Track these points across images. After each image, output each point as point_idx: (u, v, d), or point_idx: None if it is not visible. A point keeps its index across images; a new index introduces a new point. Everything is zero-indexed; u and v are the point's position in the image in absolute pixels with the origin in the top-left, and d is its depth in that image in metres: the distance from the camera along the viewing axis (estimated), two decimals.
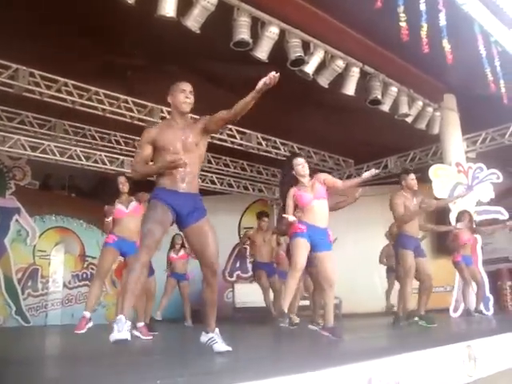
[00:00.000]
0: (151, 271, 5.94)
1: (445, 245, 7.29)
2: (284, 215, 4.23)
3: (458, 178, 7.83)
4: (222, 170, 10.56)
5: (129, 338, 2.71)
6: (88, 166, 8.97)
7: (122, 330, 2.71)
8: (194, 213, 3.11)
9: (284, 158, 9.73)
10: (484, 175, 7.88)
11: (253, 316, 7.94)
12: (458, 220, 7.02)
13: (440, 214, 7.96)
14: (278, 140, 9.63)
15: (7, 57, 6.65)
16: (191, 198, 3.15)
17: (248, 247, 7.23)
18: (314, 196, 4.27)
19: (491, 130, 8.62)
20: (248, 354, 3.31)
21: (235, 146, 9.14)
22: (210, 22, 5.05)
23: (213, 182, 10.68)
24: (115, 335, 2.69)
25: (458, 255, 6.95)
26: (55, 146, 8.62)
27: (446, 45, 5.13)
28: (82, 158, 8.85)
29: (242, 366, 2.80)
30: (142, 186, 4.39)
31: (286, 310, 4.13)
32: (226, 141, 9.00)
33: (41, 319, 9.60)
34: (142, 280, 2.93)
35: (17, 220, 9.73)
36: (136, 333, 5.10)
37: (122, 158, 9.30)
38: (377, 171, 4.56)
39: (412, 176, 5.46)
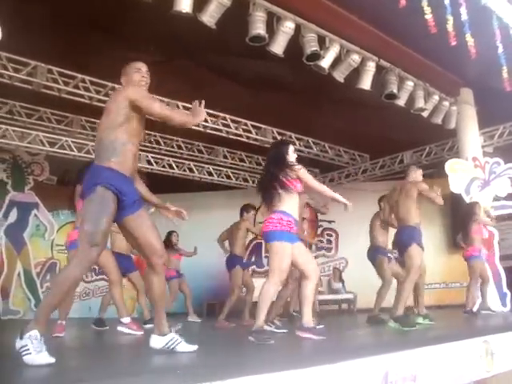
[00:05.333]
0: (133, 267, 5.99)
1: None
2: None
3: (475, 173, 7.76)
4: (238, 165, 10.59)
5: (53, 361, 2.39)
6: None
7: (41, 350, 2.39)
8: (136, 202, 2.81)
9: (299, 153, 9.78)
10: (501, 170, 7.79)
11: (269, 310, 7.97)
12: (472, 212, 6.92)
13: (455, 208, 7.89)
14: (293, 135, 9.62)
15: (26, 54, 6.75)
16: (134, 185, 2.90)
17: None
18: None
19: (509, 124, 8.51)
20: (264, 347, 3.33)
21: (250, 141, 9.16)
22: (226, 18, 5.06)
23: (228, 177, 10.72)
24: (35, 358, 2.36)
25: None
26: (73, 142, 8.73)
27: (470, 39, 5.06)
28: None
29: (259, 358, 2.83)
30: None
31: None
32: (241, 135, 9.03)
33: None
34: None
35: (35, 215, 9.90)
36: (122, 329, 4.89)
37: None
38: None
39: (419, 171, 5.45)
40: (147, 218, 2.83)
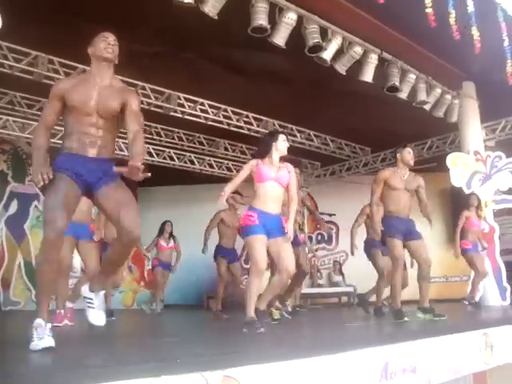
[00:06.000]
0: None
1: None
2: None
3: (476, 167, 7.75)
4: (239, 157, 10.56)
5: (53, 345, 2.46)
6: None
7: (43, 337, 2.47)
8: (103, 178, 2.75)
9: (300, 146, 9.77)
10: (503, 164, 7.78)
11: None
12: (470, 204, 6.89)
13: (455, 202, 7.87)
14: (294, 127, 9.60)
15: (27, 44, 6.71)
16: (101, 163, 2.79)
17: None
18: None
19: (511, 118, 8.49)
20: (265, 337, 3.33)
21: (252, 133, 9.14)
22: (228, 9, 5.03)
23: (229, 169, 10.71)
24: (38, 344, 2.43)
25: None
26: None
27: (475, 32, 5.02)
28: None
29: (259, 348, 2.83)
30: None
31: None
32: (242, 128, 9.00)
33: None
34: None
35: (36, 206, 9.89)
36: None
37: None
38: None
39: (409, 150, 4.92)
40: (117, 192, 2.74)
